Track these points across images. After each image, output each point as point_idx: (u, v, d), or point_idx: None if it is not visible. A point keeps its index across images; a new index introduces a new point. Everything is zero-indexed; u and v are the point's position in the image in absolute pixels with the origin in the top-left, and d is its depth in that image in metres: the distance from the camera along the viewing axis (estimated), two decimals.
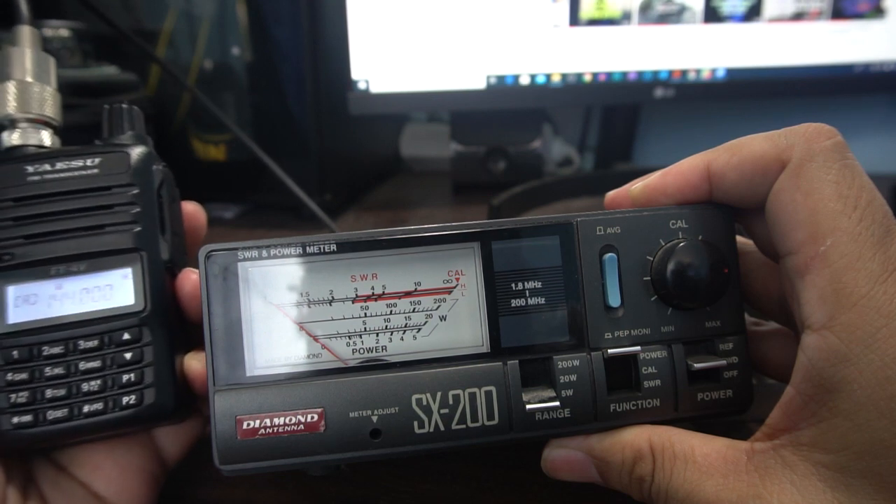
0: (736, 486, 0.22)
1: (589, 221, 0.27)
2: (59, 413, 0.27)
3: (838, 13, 0.73)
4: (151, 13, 0.67)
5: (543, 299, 0.26)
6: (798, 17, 0.73)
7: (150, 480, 0.30)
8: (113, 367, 0.27)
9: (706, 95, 0.75)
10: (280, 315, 0.26)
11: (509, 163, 0.83)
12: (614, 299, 0.26)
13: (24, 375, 0.27)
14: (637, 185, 0.28)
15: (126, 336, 0.28)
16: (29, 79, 0.31)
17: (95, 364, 0.27)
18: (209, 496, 0.33)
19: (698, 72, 0.75)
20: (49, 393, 0.27)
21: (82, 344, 0.27)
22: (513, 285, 0.26)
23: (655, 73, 0.75)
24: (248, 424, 0.25)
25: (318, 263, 0.26)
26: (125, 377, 0.27)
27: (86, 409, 0.27)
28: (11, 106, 0.30)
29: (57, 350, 0.27)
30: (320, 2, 0.68)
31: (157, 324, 0.28)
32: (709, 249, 0.25)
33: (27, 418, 0.27)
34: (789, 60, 0.75)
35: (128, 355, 0.27)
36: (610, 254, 0.26)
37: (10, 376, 0.27)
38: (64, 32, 0.55)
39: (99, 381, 0.27)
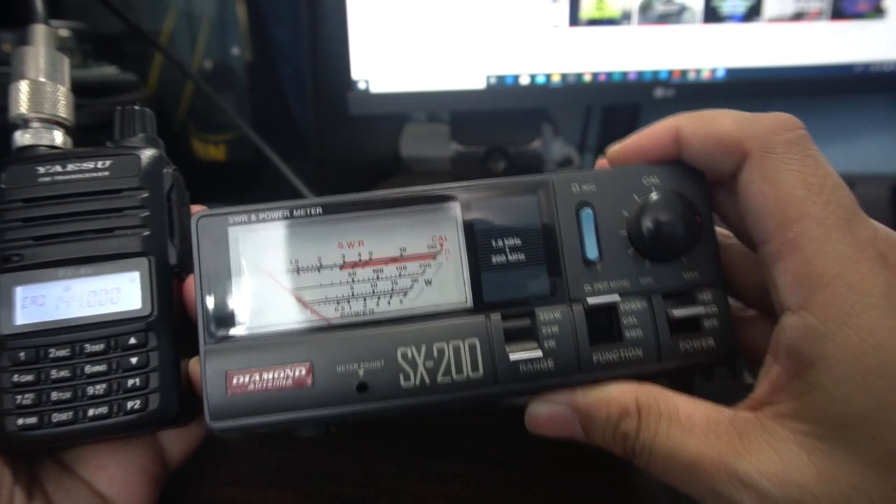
0: (717, 444, 0.22)
1: (565, 179, 0.28)
2: (64, 416, 0.27)
3: (838, 13, 0.73)
4: (151, 13, 0.67)
5: (523, 255, 0.27)
6: (798, 17, 0.73)
7: (152, 481, 0.30)
8: (118, 371, 0.27)
9: (706, 95, 0.75)
10: (269, 281, 0.27)
11: (509, 163, 0.83)
12: (592, 252, 0.27)
13: (30, 377, 0.27)
14: (614, 147, 0.29)
15: (132, 340, 0.28)
16: (42, 78, 0.31)
17: (101, 368, 0.27)
18: (209, 495, 0.33)
19: (698, 72, 0.75)
20: (54, 395, 0.27)
21: (88, 347, 0.27)
22: (493, 242, 0.27)
23: (655, 73, 0.75)
24: (238, 380, 0.25)
25: (306, 230, 0.27)
26: (130, 381, 0.27)
27: (90, 412, 0.27)
28: (24, 105, 0.30)
29: (63, 352, 0.27)
30: (320, 2, 0.68)
31: (163, 329, 0.28)
32: (680, 199, 0.26)
33: (32, 420, 0.27)
34: (789, 60, 0.75)
35: (133, 360, 0.28)
36: (586, 209, 0.27)
37: (16, 378, 0.27)
38: (64, 32, 0.55)
39: (104, 385, 0.27)
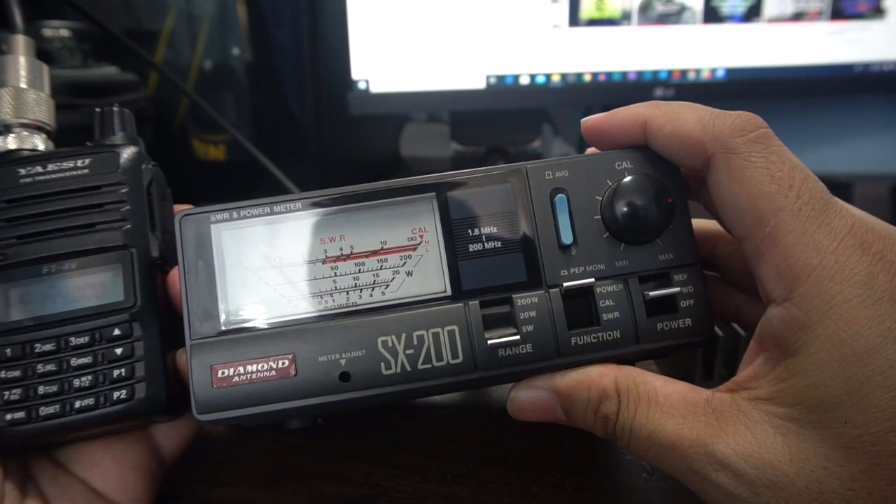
0: (695, 425, 0.23)
1: (538, 167, 0.28)
2: (52, 409, 0.27)
3: (838, 13, 0.73)
4: (152, 13, 0.68)
5: (500, 243, 0.27)
6: (797, 17, 0.73)
7: (148, 476, 0.30)
8: (104, 363, 0.28)
9: (706, 95, 0.75)
10: (252, 276, 0.27)
11: (509, 162, 0.83)
12: (567, 237, 0.27)
13: (16, 373, 0.27)
14: (588, 121, 0.29)
15: (116, 332, 0.28)
16: (23, 85, 0.32)
17: (86, 360, 0.28)
18: (209, 496, 0.33)
19: (698, 72, 0.75)
20: (41, 389, 0.27)
21: (73, 340, 0.28)
22: (470, 231, 0.27)
23: (655, 73, 0.75)
24: (223, 373, 0.26)
25: (287, 226, 0.27)
26: (116, 372, 0.28)
27: (77, 404, 0.27)
28: (6, 112, 0.31)
29: (49, 347, 0.28)
30: (320, 2, 0.68)
31: (147, 319, 0.28)
32: (652, 181, 0.26)
33: (20, 415, 0.27)
34: (789, 60, 0.74)
35: (118, 350, 0.28)
36: (560, 195, 0.27)
37: (3, 374, 0.27)
38: (64, 33, 0.55)
39: (90, 377, 0.27)
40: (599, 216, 0.27)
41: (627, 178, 0.27)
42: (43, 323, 0.28)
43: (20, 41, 0.33)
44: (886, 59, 0.75)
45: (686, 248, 0.27)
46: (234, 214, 0.27)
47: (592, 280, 0.27)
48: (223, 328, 0.26)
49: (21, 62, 0.32)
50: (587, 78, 0.75)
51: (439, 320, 0.26)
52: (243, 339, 0.26)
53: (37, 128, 0.32)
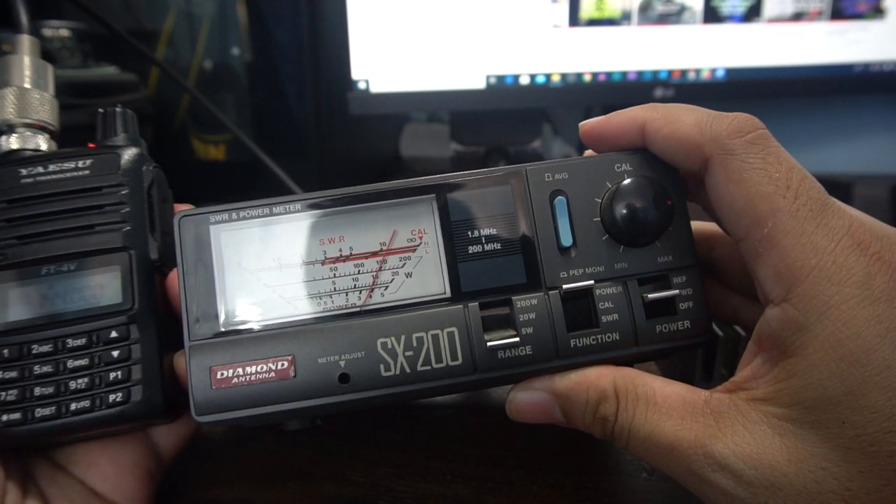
0: (693, 426, 0.23)
1: (538, 169, 0.28)
2: (47, 411, 0.27)
3: (838, 13, 0.73)
4: (152, 13, 0.68)
5: (499, 245, 0.27)
6: (797, 17, 0.73)
7: (146, 476, 0.30)
8: (100, 365, 0.28)
9: (706, 95, 0.75)
10: (252, 277, 0.27)
11: (509, 163, 0.83)
12: (566, 239, 0.27)
13: (13, 374, 0.27)
14: (586, 125, 0.29)
15: (113, 334, 0.28)
16: (27, 85, 0.32)
17: (83, 362, 0.28)
18: (208, 495, 0.33)
19: (698, 72, 0.75)
20: (37, 391, 0.27)
21: (70, 342, 0.28)
22: (469, 233, 0.27)
23: (655, 73, 0.75)
24: (222, 374, 0.26)
25: (287, 227, 0.27)
26: (112, 375, 0.28)
27: (73, 406, 0.27)
28: (10, 112, 0.31)
29: (46, 348, 0.28)
30: (320, 2, 0.68)
31: (144, 322, 0.28)
32: (651, 184, 0.26)
33: (16, 416, 0.27)
34: (789, 60, 0.75)
35: (115, 353, 0.28)
36: (560, 197, 0.27)
37: (0, 374, 0.27)
38: (64, 33, 0.55)
39: (86, 379, 0.27)
40: (599, 218, 0.27)
41: (627, 181, 0.27)
42: (41, 324, 0.28)
43: (25, 41, 0.33)
44: (886, 59, 0.75)
45: (685, 251, 0.27)
46: (234, 215, 0.27)
47: (592, 282, 0.27)
48: (222, 329, 0.26)
49: (25, 62, 0.32)
50: (587, 78, 0.75)
51: (439, 322, 0.26)
52: (242, 340, 0.26)
53: (40, 128, 0.32)
